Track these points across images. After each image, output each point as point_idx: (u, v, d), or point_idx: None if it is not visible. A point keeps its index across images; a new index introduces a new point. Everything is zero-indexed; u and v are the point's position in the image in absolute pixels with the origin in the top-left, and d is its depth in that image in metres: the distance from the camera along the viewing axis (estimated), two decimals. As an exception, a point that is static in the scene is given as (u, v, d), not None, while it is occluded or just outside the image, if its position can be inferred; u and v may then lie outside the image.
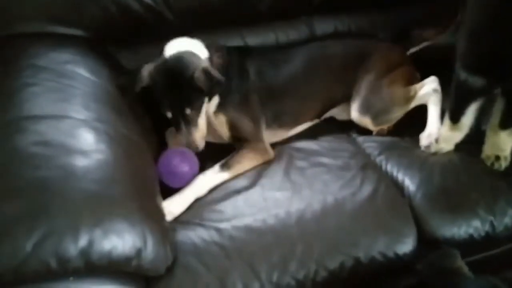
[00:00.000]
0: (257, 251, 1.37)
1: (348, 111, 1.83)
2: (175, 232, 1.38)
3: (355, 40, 1.92)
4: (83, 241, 1.08)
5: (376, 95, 1.76)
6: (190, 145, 1.57)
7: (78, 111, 1.36)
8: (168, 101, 1.54)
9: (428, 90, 1.79)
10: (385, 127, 1.82)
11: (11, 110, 1.31)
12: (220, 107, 1.68)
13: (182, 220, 1.45)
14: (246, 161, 1.63)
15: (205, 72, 1.53)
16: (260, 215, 1.45)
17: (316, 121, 1.86)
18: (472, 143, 1.68)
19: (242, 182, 1.58)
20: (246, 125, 1.69)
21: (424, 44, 1.95)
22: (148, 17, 1.71)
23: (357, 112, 1.78)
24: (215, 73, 1.55)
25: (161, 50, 1.61)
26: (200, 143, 1.60)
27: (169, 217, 1.42)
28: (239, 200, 1.51)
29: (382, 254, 1.43)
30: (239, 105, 1.69)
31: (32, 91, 1.38)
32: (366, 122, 1.78)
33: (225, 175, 1.58)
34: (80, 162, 1.21)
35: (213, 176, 1.56)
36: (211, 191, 1.55)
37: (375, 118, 1.76)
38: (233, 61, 1.69)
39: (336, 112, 1.87)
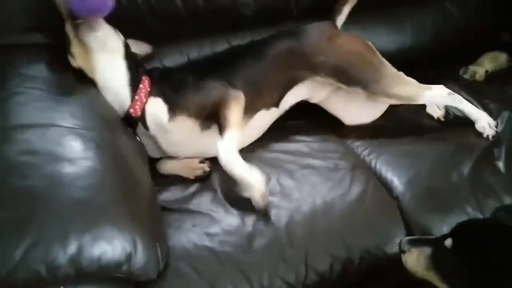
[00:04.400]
0: (248, 255, 1.37)
1: (313, 90, 1.80)
2: (166, 237, 1.38)
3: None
4: (72, 248, 1.07)
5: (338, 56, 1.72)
6: None
7: (65, 119, 1.36)
8: None
9: (443, 92, 1.75)
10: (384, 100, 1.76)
11: (-2, 120, 1.32)
12: (173, 110, 1.57)
13: (173, 225, 1.44)
14: (232, 111, 1.54)
15: None
16: (249, 219, 1.45)
17: (275, 109, 1.77)
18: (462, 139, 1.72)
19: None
20: (201, 99, 1.59)
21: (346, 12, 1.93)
22: (132, 25, 1.69)
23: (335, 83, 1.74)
24: None
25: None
26: None
27: (262, 186, 1.42)
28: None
29: (371, 254, 1.45)
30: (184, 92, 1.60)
31: (18, 100, 1.38)
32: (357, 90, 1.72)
33: (233, 133, 1.49)
34: (68, 169, 1.21)
35: (228, 142, 1.48)
36: (201, 195, 1.55)
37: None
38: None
39: (302, 95, 1.80)
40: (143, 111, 1.58)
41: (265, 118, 1.77)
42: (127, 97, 1.57)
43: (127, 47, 1.61)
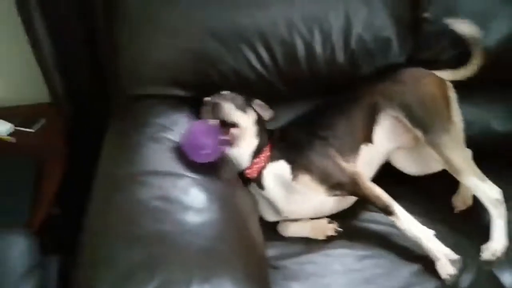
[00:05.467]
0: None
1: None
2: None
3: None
4: (194, 294, 1.14)
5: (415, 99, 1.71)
6: None
7: (192, 171, 1.47)
8: None
9: (491, 194, 1.59)
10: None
11: (136, 164, 1.46)
12: (296, 168, 1.63)
13: (279, 283, 1.49)
14: (374, 190, 1.59)
15: None
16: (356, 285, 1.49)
17: (372, 145, 1.77)
18: None
19: (334, 252, 1.61)
20: (330, 168, 1.62)
21: None
22: (261, 86, 1.83)
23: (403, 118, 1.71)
24: None
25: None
26: None
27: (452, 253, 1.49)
28: (335, 267, 1.55)
29: None
30: (308, 156, 1.65)
31: (154, 147, 1.52)
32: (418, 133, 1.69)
33: (397, 208, 1.55)
34: (194, 218, 1.31)
35: (404, 218, 1.53)
36: (307, 254, 1.60)
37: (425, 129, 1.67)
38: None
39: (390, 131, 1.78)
40: (259, 173, 1.66)
41: (370, 153, 1.77)
42: (247, 162, 1.66)
43: (257, 120, 1.69)
